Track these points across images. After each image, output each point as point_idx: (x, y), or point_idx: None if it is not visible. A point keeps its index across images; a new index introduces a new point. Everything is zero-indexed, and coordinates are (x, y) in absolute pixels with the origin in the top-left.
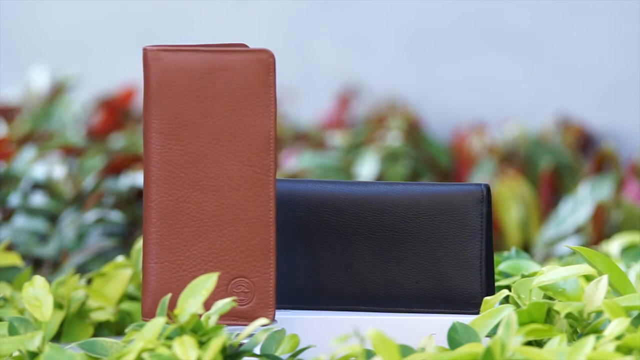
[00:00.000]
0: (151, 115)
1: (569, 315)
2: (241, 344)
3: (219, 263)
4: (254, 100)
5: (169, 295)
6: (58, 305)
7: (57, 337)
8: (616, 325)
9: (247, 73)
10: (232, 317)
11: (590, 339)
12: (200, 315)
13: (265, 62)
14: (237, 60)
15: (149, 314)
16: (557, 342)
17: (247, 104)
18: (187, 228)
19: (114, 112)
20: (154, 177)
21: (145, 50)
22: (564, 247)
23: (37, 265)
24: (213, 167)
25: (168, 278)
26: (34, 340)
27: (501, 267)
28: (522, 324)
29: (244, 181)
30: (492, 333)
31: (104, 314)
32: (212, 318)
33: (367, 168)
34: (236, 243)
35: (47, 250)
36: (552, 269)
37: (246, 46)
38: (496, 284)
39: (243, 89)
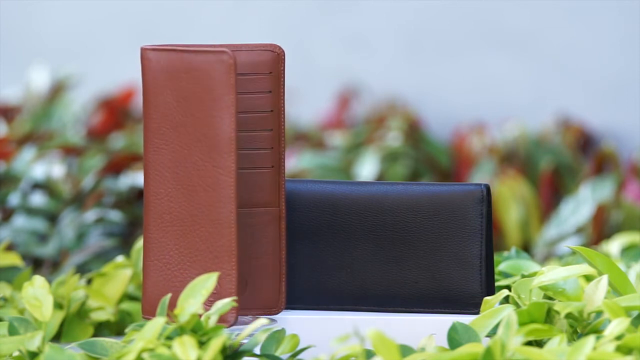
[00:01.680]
0: (145, 114)
1: (569, 315)
2: (241, 344)
3: (194, 263)
4: (217, 101)
5: (169, 296)
6: (58, 305)
7: (57, 337)
8: (616, 325)
9: (211, 74)
10: None
11: (590, 339)
12: (200, 315)
13: (225, 63)
14: (202, 60)
15: (145, 312)
16: (557, 342)
17: (212, 105)
18: (172, 227)
19: (114, 112)
20: (148, 176)
21: (141, 49)
22: (564, 247)
23: (37, 265)
24: (191, 168)
25: (156, 277)
26: (34, 340)
27: (501, 267)
28: (522, 324)
29: (211, 182)
30: (492, 333)
31: (104, 314)
32: (212, 318)
33: (367, 168)
34: (206, 244)
35: (47, 250)
36: (552, 269)
37: (279, 48)
38: (496, 284)
39: (209, 89)
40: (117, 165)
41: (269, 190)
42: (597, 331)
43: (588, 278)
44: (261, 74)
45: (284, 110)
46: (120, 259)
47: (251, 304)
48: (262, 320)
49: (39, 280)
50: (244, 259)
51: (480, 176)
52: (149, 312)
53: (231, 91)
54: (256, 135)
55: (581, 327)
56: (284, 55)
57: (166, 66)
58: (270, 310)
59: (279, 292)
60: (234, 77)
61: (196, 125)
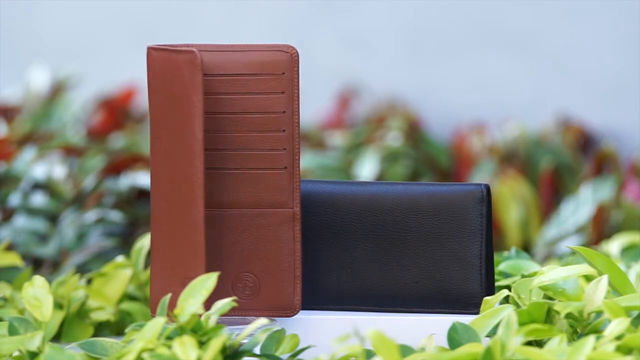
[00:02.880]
0: (149, 113)
1: (569, 315)
2: (241, 344)
3: (179, 263)
4: (187, 101)
5: (169, 296)
6: (58, 305)
7: (57, 337)
8: (616, 325)
9: (183, 73)
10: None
11: (590, 339)
12: (200, 315)
13: (191, 63)
14: (177, 60)
15: (153, 311)
16: (557, 342)
17: (184, 105)
18: (167, 227)
19: (114, 112)
20: (151, 175)
21: (147, 48)
22: (564, 247)
23: (37, 265)
24: (173, 168)
25: (159, 276)
26: (34, 340)
27: (501, 267)
28: (522, 324)
29: (186, 182)
30: (492, 333)
31: (104, 314)
32: (212, 318)
33: (367, 168)
34: (186, 244)
35: (47, 250)
36: (552, 269)
37: (293, 49)
38: (496, 284)
39: (181, 89)
40: (117, 166)
41: (282, 191)
42: (597, 331)
43: (588, 278)
44: (273, 74)
45: (297, 112)
46: (120, 259)
47: (266, 305)
48: (262, 320)
49: (39, 280)
50: (257, 260)
51: (480, 176)
52: (153, 312)
53: (197, 91)
54: (269, 135)
55: (581, 327)
56: (298, 56)
57: (160, 65)
58: (285, 312)
59: (294, 293)
60: (200, 77)
61: (175, 124)
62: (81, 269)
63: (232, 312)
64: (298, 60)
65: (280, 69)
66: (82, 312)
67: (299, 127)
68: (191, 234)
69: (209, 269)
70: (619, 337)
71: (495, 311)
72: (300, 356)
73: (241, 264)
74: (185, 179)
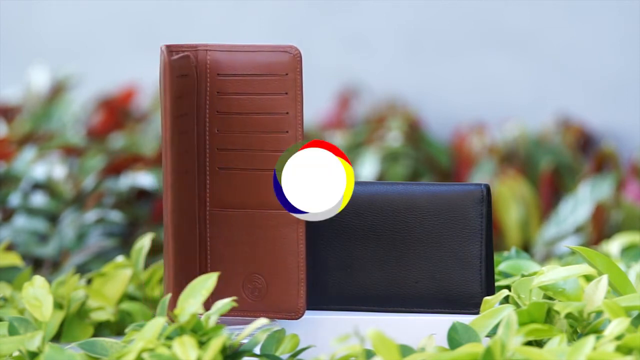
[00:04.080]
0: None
1: (569, 315)
2: (241, 344)
3: (171, 267)
4: (162, 102)
5: (169, 296)
6: (58, 305)
7: (57, 337)
8: (616, 325)
9: (161, 75)
10: None
11: (590, 339)
12: (200, 315)
13: (161, 64)
14: (161, 61)
15: None
16: (557, 342)
17: (162, 105)
18: (166, 230)
19: (114, 112)
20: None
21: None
22: (564, 247)
23: (37, 265)
24: (162, 169)
25: (164, 278)
26: (34, 340)
27: (501, 267)
28: (522, 324)
29: (165, 184)
30: (492, 333)
31: (104, 314)
32: (212, 318)
33: (367, 168)
34: (165, 245)
35: (47, 250)
36: (552, 269)
37: (296, 49)
38: (496, 284)
39: (161, 90)
40: (117, 166)
41: None
42: (597, 331)
43: (588, 278)
44: (277, 75)
45: (301, 113)
46: (120, 259)
47: (272, 307)
48: (262, 320)
49: (39, 280)
50: (264, 261)
51: (480, 176)
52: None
53: (166, 91)
54: (273, 137)
55: (581, 327)
56: (301, 57)
57: (160, 66)
58: (290, 314)
59: (298, 296)
60: (169, 78)
61: (161, 125)
62: (81, 269)
63: (239, 312)
64: (301, 60)
65: (284, 69)
66: (82, 312)
67: (303, 128)
68: (165, 234)
69: (216, 269)
70: (619, 337)
71: (495, 311)
72: (300, 356)
73: (250, 264)
74: (164, 179)
